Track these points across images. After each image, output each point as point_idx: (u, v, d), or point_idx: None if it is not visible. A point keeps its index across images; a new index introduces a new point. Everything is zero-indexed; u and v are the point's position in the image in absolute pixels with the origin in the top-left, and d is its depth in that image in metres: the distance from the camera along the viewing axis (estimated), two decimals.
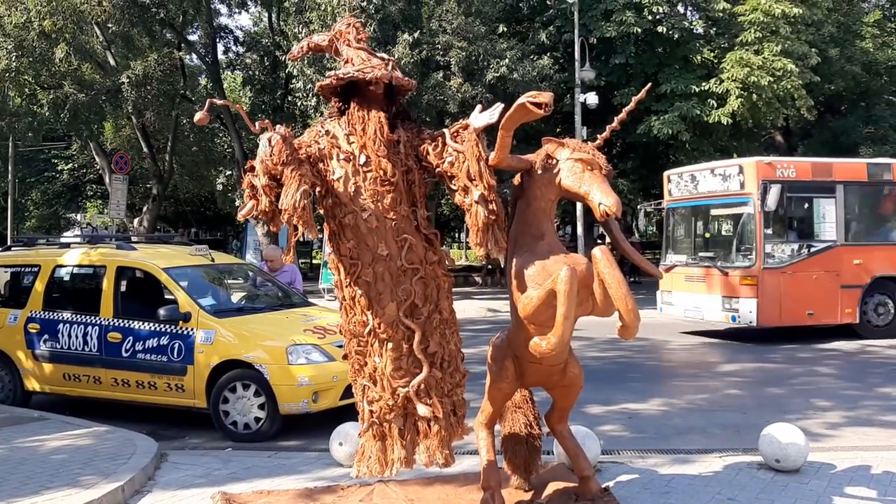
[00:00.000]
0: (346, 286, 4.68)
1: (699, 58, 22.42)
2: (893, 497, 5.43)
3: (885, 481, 5.77)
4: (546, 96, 4.09)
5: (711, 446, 7.04)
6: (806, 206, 14.25)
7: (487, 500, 4.95)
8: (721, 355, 12.61)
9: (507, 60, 19.34)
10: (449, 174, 4.65)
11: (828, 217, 13.95)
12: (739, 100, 21.05)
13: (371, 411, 4.67)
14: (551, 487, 5.42)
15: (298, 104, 21.13)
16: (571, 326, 4.34)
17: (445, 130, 4.71)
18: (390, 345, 4.58)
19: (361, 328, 4.66)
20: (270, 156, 4.24)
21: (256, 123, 4.45)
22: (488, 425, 5.21)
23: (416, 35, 18.33)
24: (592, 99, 21.13)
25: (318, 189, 4.61)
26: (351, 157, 4.58)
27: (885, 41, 25.53)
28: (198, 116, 4.47)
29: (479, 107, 4.70)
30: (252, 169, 4.41)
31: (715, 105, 21.72)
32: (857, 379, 10.37)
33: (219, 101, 4.90)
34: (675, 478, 5.95)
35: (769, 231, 13.56)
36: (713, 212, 15.30)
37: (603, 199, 4.44)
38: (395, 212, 4.56)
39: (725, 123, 21.67)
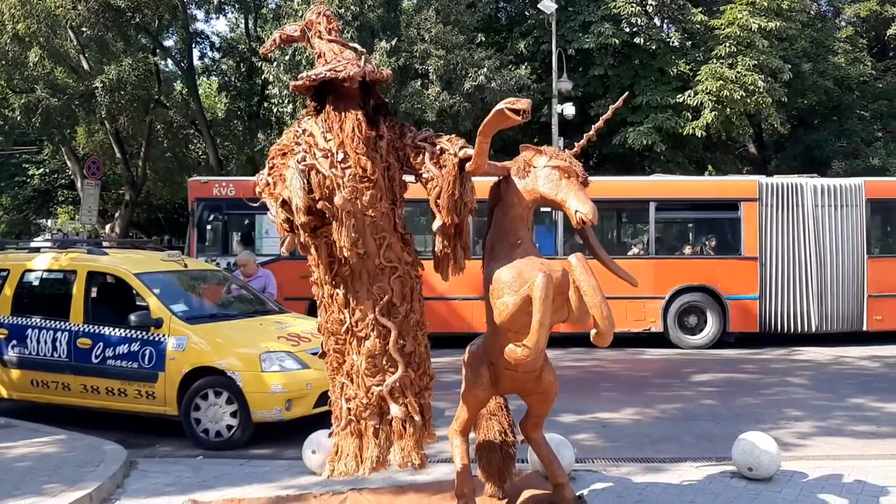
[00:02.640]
0: (325, 284, 4.64)
1: (675, 70, 22.61)
2: None
3: (856, 490, 5.82)
4: (524, 103, 4.09)
5: (685, 455, 7.06)
6: (247, 222, 15.25)
7: None
8: (694, 365, 12.66)
9: (484, 70, 19.37)
10: (424, 187, 4.67)
11: (271, 232, 14.44)
12: (713, 113, 21.27)
13: (349, 409, 4.62)
14: (525, 495, 5.40)
15: (274, 110, 21.01)
16: (546, 333, 4.34)
17: (427, 146, 4.69)
18: (367, 343, 4.54)
19: (339, 326, 4.62)
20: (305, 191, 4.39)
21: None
22: (463, 432, 5.18)
23: (393, 42, 18.31)
24: (569, 110, 21.21)
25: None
26: (329, 155, 4.55)
27: (857, 57, 25.87)
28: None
29: (461, 141, 4.71)
30: (284, 204, 4.45)
31: (689, 117, 21.91)
32: (828, 389, 10.46)
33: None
34: (649, 486, 5.95)
35: (202, 245, 14.40)
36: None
37: (579, 206, 4.45)
38: (373, 209, 4.53)
39: (699, 136, 21.88)
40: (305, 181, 4.36)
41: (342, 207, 4.35)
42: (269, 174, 4.56)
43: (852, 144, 25.61)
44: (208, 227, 15.00)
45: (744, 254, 14.56)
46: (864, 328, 14.66)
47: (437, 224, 4.55)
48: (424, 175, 4.63)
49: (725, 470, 6.30)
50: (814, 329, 14.58)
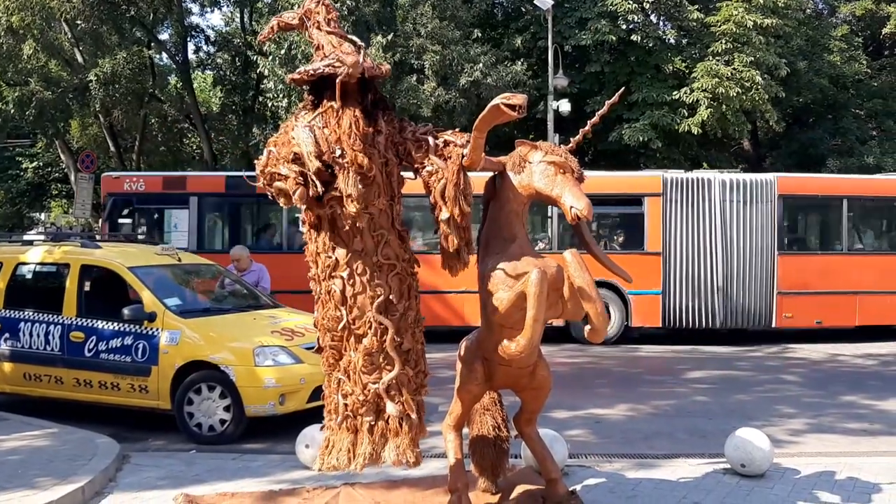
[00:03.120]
0: (322, 280, 4.61)
1: (671, 67, 22.63)
2: (857, 501, 5.49)
3: (849, 487, 5.83)
4: (520, 98, 4.08)
5: (678, 451, 7.07)
6: (156, 216, 15.49)
7: (455, 503, 4.92)
8: (688, 362, 12.69)
9: (480, 65, 19.36)
10: (426, 181, 4.63)
11: (179, 226, 14.79)
12: (709, 110, 21.29)
13: (345, 405, 4.60)
14: (518, 490, 5.40)
15: (269, 105, 20.99)
16: (541, 329, 4.34)
17: (431, 137, 4.66)
18: (364, 340, 4.52)
19: (335, 323, 4.58)
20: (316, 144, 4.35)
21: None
22: (456, 427, 5.18)
23: (389, 37, 18.28)
24: (565, 106, 21.19)
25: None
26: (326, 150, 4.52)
27: (852, 55, 25.92)
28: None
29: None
30: (296, 158, 4.37)
31: (685, 114, 21.93)
32: (821, 387, 10.49)
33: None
34: (642, 482, 5.96)
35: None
36: None
37: (575, 202, 4.44)
38: (371, 205, 4.51)
39: (695, 133, 21.89)
40: (312, 136, 4.33)
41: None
42: (273, 144, 4.52)
43: (847, 143, 25.66)
44: (119, 221, 15.24)
45: (647, 249, 14.53)
46: (774, 325, 14.61)
47: (444, 216, 4.51)
48: (428, 168, 4.58)
49: (718, 466, 6.31)
50: (718, 324, 14.56)
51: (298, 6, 5.07)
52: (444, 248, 4.63)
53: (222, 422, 7.41)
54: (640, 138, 21.67)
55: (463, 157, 4.49)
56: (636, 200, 14.71)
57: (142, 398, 7.67)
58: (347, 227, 4.47)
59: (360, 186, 4.32)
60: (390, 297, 4.52)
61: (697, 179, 14.75)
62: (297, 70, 4.71)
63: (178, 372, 7.48)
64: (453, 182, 4.47)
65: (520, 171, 4.71)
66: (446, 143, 4.59)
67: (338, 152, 4.49)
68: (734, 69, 21.14)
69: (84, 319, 7.98)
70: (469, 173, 4.60)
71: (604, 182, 14.76)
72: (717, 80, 21.04)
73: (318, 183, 4.30)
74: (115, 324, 7.78)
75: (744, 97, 21.08)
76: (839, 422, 8.41)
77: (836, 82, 25.64)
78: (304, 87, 4.80)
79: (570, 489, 5.34)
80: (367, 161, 4.48)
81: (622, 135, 21.84)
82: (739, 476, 6.06)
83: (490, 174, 4.94)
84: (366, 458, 4.51)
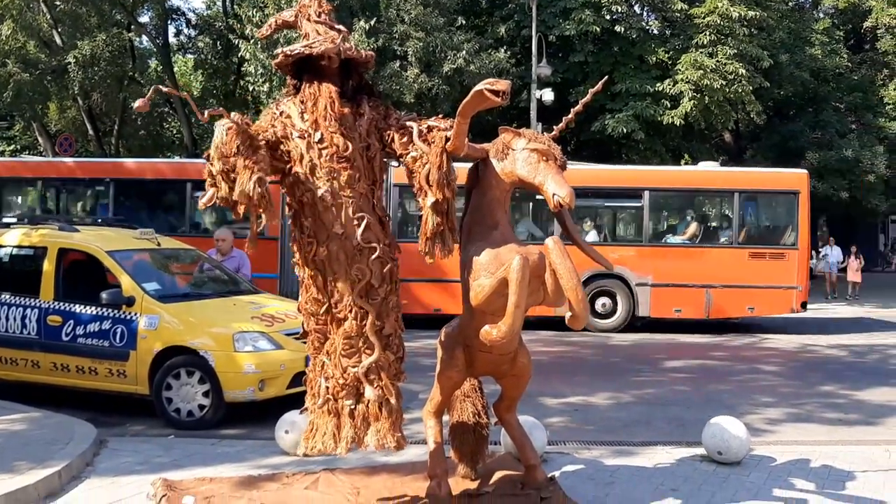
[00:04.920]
0: (304, 264, 4.60)
1: (654, 58, 22.67)
2: (831, 490, 5.56)
3: (823, 474, 5.91)
4: (503, 84, 4.07)
5: (655, 439, 7.12)
6: None
7: (434, 488, 4.93)
8: (665, 351, 12.79)
9: (464, 53, 19.29)
10: (410, 168, 4.61)
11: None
12: (692, 101, 21.36)
13: (327, 388, 4.59)
14: (498, 476, 5.42)
15: (251, 89, 20.79)
16: (522, 315, 4.34)
17: (415, 124, 4.65)
18: (344, 324, 4.51)
19: (318, 307, 4.57)
20: (225, 144, 4.14)
21: (206, 112, 4.36)
22: (436, 413, 5.18)
23: (372, 23, 18.18)
24: (548, 95, 21.18)
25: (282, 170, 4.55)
26: (305, 135, 4.50)
27: (833, 49, 26.13)
28: (138, 103, 4.32)
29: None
30: (209, 157, 4.29)
31: (668, 106, 21.99)
32: (798, 377, 10.61)
33: (165, 89, 4.77)
34: (620, 468, 6.00)
35: None
36: None
37: (557, 190, 4.44)
38: (351, 189, 4.48)
39: (678, 124, 21.97)
40: (223, 136, 4.14)
41: (140, 108, 4.31)
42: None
43: (826, 136, 25.91)
44: None
45: None
46: None
47: (430, 201, 4.48)
48: (412, 154, 4.56)
49: (695, 454, 6.37)
50: None
51: None
52: (425, 233, 4.57)
53: (201, 407, 7.37)
54: (623, 129, 21.72)
55: (447, 140, 4.47)
56: None
57: (120, 383, 7.62)
58: (325, 210, 4.44)
59: (251, 187, 4.06)
60: (371, 281, 4.51)
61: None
62: (276, 52, 4.71)
63: (156, 357, 7.43)
64: (437, 164, 4.45)
65: (503, 158, 4.70)
66: (430, 129, 4.58)
67: (317, 137, 4.48)
68: (718, 61, 21.21)
69: (61, 303, 7.90)
70: (454, 163, 4.59)
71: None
72: (700, 71, 21.12)
73: (224, 185, 4.13)
74: (93, 308, 7.71)
75: (727, 89, 21.16)
76: (815, 411, 8.51)
77: (817, 75, 25.85)
78: (287, 73, 4.80)
79: (549, 475, 5.37)
80: (342, 141, 4.46)
81: (605, 125, 21.88)
82: (716, 464, 6.12)
83: (473, 162, 4.93)
84: (349, 441, 4.50)
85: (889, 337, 14.91)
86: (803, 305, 14.86)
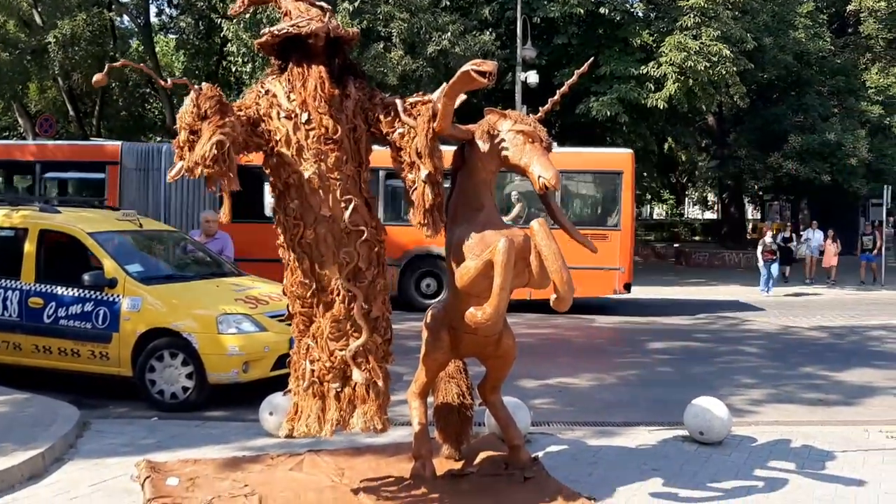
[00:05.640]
0: (290, 247, 4.57)
1: (638, 41, 22.62)
2: (811, 469, 5.63)
3: (804, 454, 5.98)
4: (490, 65, 4.05)
5: (638, 419, 7.18)
6: None
7: (419, 469, 4.96)
8: (648, 333, 12.87)
9: (448, 34, 19.18)
10: (397, 145, 4.57)
11: None
12: (676, 84, 21.34)
13: (312, 370, 4.58)
14: (482, 456, 5.46)
15: (234, 70, 20.64)
16: (507, 297, 4.35)
17: (398, 101, 4.63)
18: (332, 307, 4.49)
19: (304, 290, 4.55)
20: (190, 112, 4.08)
21: (168, 80, 4.32)
22: (421, 395, 5.21)
23: (356, 3, 18.03)
24: (533, 78, 21.11)
25: (263, 149, 4.51)
26: (292, 115, 4.46)
27: (817, 32, 26.17)
28: (96, 77, 4.26)
29: (444, 86, 4.59)
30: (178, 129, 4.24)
31: (652, 89, 21.97)
32: (779, 358, 10.71)
33: (118, 64, 4.70)
34: (603, 449, 6.05)
35: None
36: None
37: (543, 172, 4.44)
38: (339, 171, 4.46)
39: (661, 108, 21.96)
40: (190, 102, 4.12)
41: (98, 82, 4.24)
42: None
43: (809, 119, 26.01)
44: None
45: None
46: None
47: (424, 173, 4.42)
48: (399, 131, 4.52)
49: (677, 434, 6.43)
50: None
51: None
52: (422, 205, 4.46)
53: (185, 389, 7.35)
54: (607, 113, 21.69)
55: (433, 113, 4.43)
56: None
57: (102, 365, 7.58)
58: (312, 193, 4.42)
59: (207, 148, 3.98)
60: (359, 263, 4.49)
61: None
62: (262, 32, 4.64)
63: (139, 339, 7.39)
64: (425, 134, 4.41)
65: (488, 139, 4.68)
66: (413, 105, 4.55)
67: (304, 118, 4.45)
68: (702, 43, 21.19)
69: (43, 285, 7.84)
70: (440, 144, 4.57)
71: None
72: (684, 53, 21.08)
73: (188, 154, 4.06)
74: (76, 290, 7.65)
75: (711, 71, 21.16)
76: (796, 392, 8.60)
77: (800, 59, 25.90)
78: (271, 53, 4.74)
79: (533, 455, 5.42)
80: (331, 123, 4.43)
81: (589, 108, 21.84)
82: (698, 443, 6.18)
83: (458, 144, 4.92)
84: (334, 424, 4.51)
85: (868, 319, 15.07)
86: (626, 287, 14.66)
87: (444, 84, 4.49)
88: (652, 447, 6.14)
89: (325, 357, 4.51)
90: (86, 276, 7.54)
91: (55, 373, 7.89)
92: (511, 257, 4.26)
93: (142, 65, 4.91)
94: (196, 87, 4.16)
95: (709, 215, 53.55)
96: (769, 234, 20.20)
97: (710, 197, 50.98)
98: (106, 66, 4.28)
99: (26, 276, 7.91)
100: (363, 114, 4.64)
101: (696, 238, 41.16)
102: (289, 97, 4.51)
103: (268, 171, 4.63)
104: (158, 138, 26.13)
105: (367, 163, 4.69)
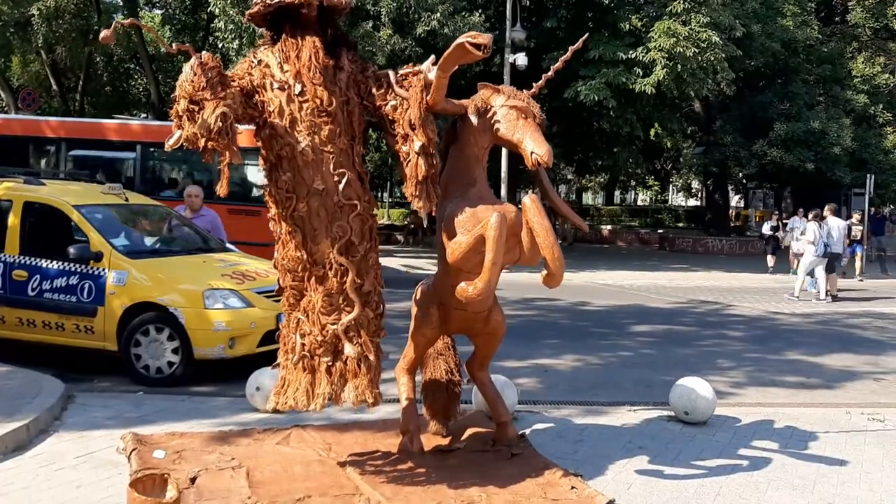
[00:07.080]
0: (282, 220, 4.54)
1: (628, 25, 22.58)
2: (793, 449, 5.69)
3: (786, 434, 6.05)
4: (485, 37, 4.04)
5: (623, 399, 7.23)
6: None
7: (406, 444, 4.98)
8: (633, 316, 12.94)
9: (438, 14, 19.07)
10: (390, 118, 4.55)
11: None
12: (664, 70, 21.34)
13: (303, 344, 4.56)
14: (469, 432, 5.49)
15: (220, 46, 20.43)
16: (498, 272, 4.36)
17: (391, 72, 4.60)
18: (324, 282, 4.48)
19: (296, 264, 4.53)
20: (191, 81, 4.06)
21: (173, 45, 4.27)
22: (409, 370, 5.22)
23: None
24: (522, 60, 21.04)
25: (255, 120, 4.48)
26: (286, 86, 4.42)
27: (805, 20, 26.24)
28: (104, 34, 4.18)
29: (432, 57, 4.56)
30: (177, 97, 4.21)
31: (641, 74, 21.96)
32: (761, 343, 10.80)
33: (126, 22, 4.65)
34: (588, 427, 6.09)
35: None
36: None
37: (535, 147, 4.44)
38: (332, 144, 4.43)
39: (650, 93, 21.96)
40: (190, 73, 4.12)
41: (105, 39, 4.16)
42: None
43: (795, 107, 26.10)
44: None
45: None
46: None
47: (418, 145, 4.41)
48: (392, 103, 4.50)
49: (662, 414, 6.48)
50: None
51: None
52: (416, 176, 4.45)
53: (170, 364, 7.32)
54: (595, 97, 21.66)
55: (426, 83, 4.40)
56: None
57: (87, 339, 7.54)
58: (305, 166, 4.39)
59: (212, 120, 4.03)
60: (351, 238, 4.48)
61: None
62: (254, 2, 4.58)
63: (125, 313, 7.35)
64: (418, 103, 4.39)
65: (481, 114, 4.67)
66: (405, 77, 4.53)
67: (297, 89, 4.41)
68: (691, 28, 21.18)
69: (27, 258, 7.77)
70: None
71: None
72: (673, 39, 21.07)
73: (188, 124, 4.08)
74: (60, 263, 7.59)
75: (699, 57, 21.16)
76: (779, 375, 8.68)
77: (787, 46, 25.96)
78: (262, 24, 4.70)
79: (520, 433, 5.44)
80: (326, 95, 4.40)
81: (578, 92, 21.81)
82: (683, 423, 6.23)
83: (451, 119, 4.90)
84: (325, 398, 4.50)
85: (849, 306, 15.22)
86: None
87: (433, 56, 4.48)
88: (637, 426, 6.19)
89: (317, 331, 4.50)
90: (71, 249, 7.48)
91: (39, 346, 7.83)
92: (503, 232, 4.26)
93: (149, 26, 4.85)
94: (198, 54, 4.12)
95: (692, 202, 53.81)
96: (768, 223, 19.64)
97: (695, 184, 51.19)
98: (113, 24, 4.21)
99: (10, 249, 7.84)
100: (356, 87, 4.61)
101: (680, 224, 41.33)
102: (282, 68, 4.47)
103: (259, 144, 4.59)
104: (144, 115, 25.83)
105: (359, 136, 4.66)
